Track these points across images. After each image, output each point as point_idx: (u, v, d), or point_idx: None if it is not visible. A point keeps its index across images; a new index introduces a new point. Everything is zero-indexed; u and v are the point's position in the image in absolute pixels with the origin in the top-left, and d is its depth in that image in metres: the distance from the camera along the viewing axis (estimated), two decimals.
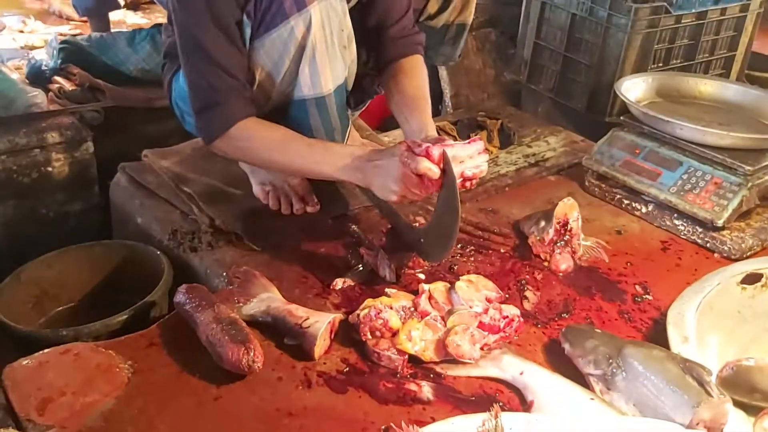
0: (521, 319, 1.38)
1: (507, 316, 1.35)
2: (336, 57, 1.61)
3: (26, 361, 1.27)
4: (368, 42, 1.77)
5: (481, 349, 1.31)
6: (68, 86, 2.32)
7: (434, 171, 1.36)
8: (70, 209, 2.14)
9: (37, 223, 2.09)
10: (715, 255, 1.75)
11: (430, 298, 1.40)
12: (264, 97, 1.64)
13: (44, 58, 2.42)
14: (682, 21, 2.39)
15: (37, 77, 2.38)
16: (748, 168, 1.76)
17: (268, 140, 1.57)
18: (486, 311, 1.34)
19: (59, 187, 2.10)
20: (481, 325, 1.32)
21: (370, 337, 1.33)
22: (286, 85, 1.62)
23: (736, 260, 1.70)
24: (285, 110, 1.67)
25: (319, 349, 1.31)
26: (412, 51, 1.78)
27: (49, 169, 2.08)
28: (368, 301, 1.37)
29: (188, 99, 1.63)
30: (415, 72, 1.75)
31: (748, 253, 1.74)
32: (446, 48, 2.13)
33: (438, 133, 2.17)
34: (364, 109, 2.06)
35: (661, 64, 2.41)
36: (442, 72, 2.71)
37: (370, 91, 1.95)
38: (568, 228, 1.66)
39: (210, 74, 1.54)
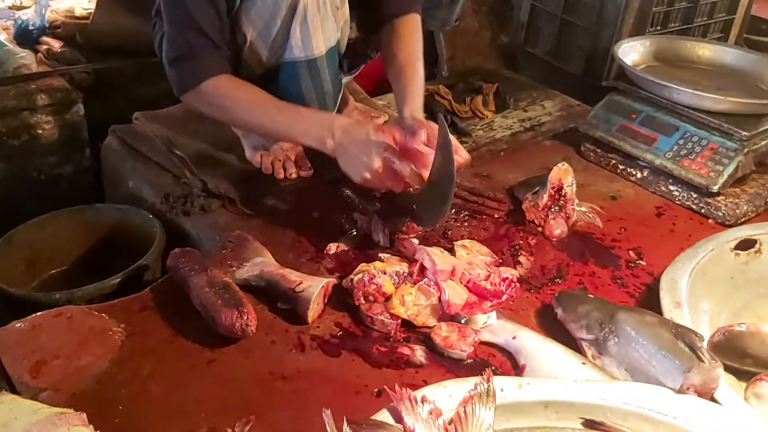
0: (517, 285, 1.38)
1: (506, 278, 1.34)
2: (328, 18, 1.59)
3: (19, 324, 1.26)
4: (363, 2, 1.74)
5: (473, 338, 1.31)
6: (57, 47, 2.28)
7: (420, 179, 1.41)
8: (61, 172, 2.13)
9: (28, 185, 2.08)
10: (710, 221, 1.75)
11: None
12: (255, 59, 1.62)
13: (31, 18, 2.38)
14: None
15: (25, 38, 2.35)
16: (745, 133, 1.75)
17: (239, 100, 1.55)
18: (488, 277, 1.33)
19: (50, 149, 2.09)
20: (485, 291, 1.32)
21: (363, 301, 1.32)
22: (278, 46, 1.60)
23: (731, 226, 1.70)
24: (276, 74, 1.64)
25: (312, 314, 1.31)
26: (408, 9, 1.75)
27: (39, 131, 2.06)
28: (362, 266, 1.37)
29: (163, 52, 1.61)
30: (409, 36, 1.72)
31: (743, 219, 1.74)
32: (442, 12, 2.10)
33: (432, 96, 2.16)
34: (358, 73, 2.03)
35: (659, 28, 2.39)
36: (438, 34, 2.67)
37: (363, 55, 1.93)
38: (563, 193, 1.66)
39: (186, 30, 1.53)
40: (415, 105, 1.58)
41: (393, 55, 1.69)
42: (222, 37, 1.56)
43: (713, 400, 1.12)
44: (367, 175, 1.42)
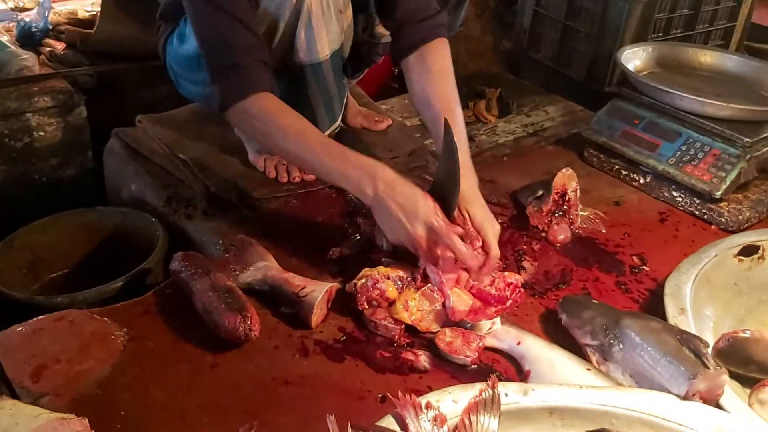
0: (521, 290, 1.37)
1: (511, 283, 1.34)
2: (332, 21, 1.59)
3: (20, 328, 1.26)
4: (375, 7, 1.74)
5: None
6: (59, 49, 2.28)
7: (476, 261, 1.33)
8: (63, 174, 2.12)
9: (29, 188, 2.07)
10: (713, 227, 1.75)
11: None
12: None
13: (34, 19, 2.38)
14: None
15: (28, 39, 2.34)
16: (747, 140, 1.75)
17: (285, 127, 1.46)
18: (492, 282, 1.33)
19: (52, 152, 2.08)
20: (489, 297, 1.31)
21: (366, 306, 1.32)
22: (282, 51, 1.59)
23: (734, 232, 1.70)
24: (281, 79, 1.63)
25: (316, 318, 1.31)
26: (434, 34, 1.65)
27: (42, 133, 2.05)
28: (365, 271, 1.36)
29: (202, 60, 1.53)
30: (441, 74, 1.61)
31: (746, 225, 1.74)
32: (447, 17, 2.10)
33: None
34: (362, 77, 2.04)
35: (661, 34, 2.39)
36: None
37: (367, 60, 1.93)
38: (566, 198, 1.66)
39: (224, 28, 1.46)
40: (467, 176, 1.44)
41: (426, 100, 1.59)
42: (261, 36, 1.51)
43: (718, 406, 1.12)
44: (403, 238, 1.36)
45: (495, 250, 1.37)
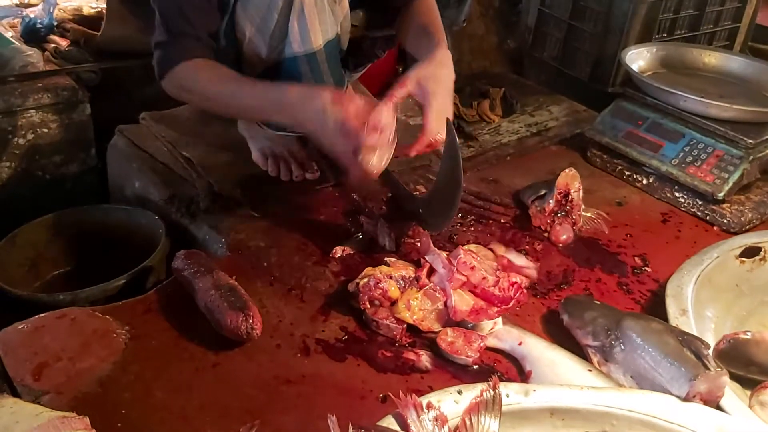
0: (524, 290, 1.37)
1: (515, 282, 1.34)
2: (325, 11, 1.59)
3: (21, 326, 1.26)
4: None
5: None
6: (64, 45, 2.28)
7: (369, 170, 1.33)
8: (66, 171, 2.12)
9: (32, 185, 2.07)
10: (715, 228, 1.75)
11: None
12: (255, 56, 1.61)
13: (39, 15, 2.38)
14: None
15: (32, 35, 2.34)
16: (750, 141, 1.75)
17: (211, 79, 1.51)
18: (496, 283, 1.33)
19: (55, 149, 2.08)
20: (493, 297, 1.31)
21: (368, 306, 1.32)
22: (277, 41, 1.59)
23: (736, 233, 1.70)
24: (276, 70, 1.64)
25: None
26: None
27: (45, 130, 2.05)
28: (367, 270, 1.37)
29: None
30: (425, 10, 1.70)
31: (748, 227, 1.74)
32: (450, 11, 2.10)
33: None
34: (364, 72, 2.03)
35: (665, 35, 2.38)
36: (446, 36, 2.67)
37: (370, 54, 1.92)
38: (569, 199, 1.65)
39: (171, 15, 1.50)
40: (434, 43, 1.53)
41: (408, 26, 1.67)
42: (206, 25, 1.54)
43: (719, 407, 1.12)
44: (335, 150, 1.36)
45: (431, 125, 1.39)
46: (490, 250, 1.51)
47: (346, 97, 1.34)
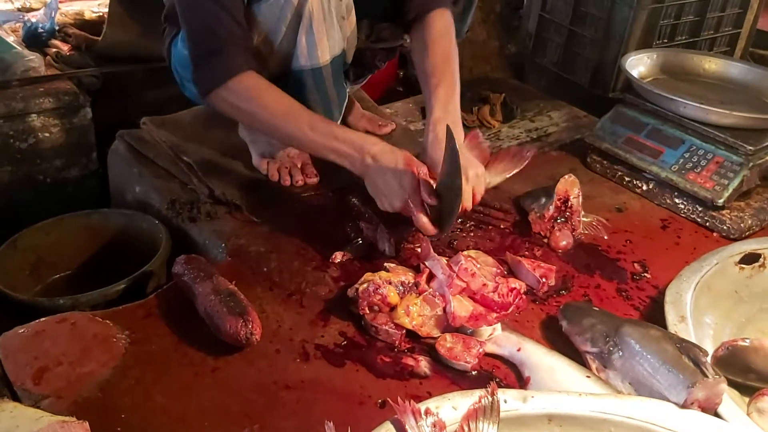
0: (523, 296, 1.37)
1: (514, 288, 1.34)
2: (333, 27, 1.59)
3: (22, 330, 1.26)
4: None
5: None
6: (65, 50, 2.29)
7: (428, 229, 1.43)
8: (67, 176, 2.13)
9: (33, 189, 2.08)
10: (714, 234, 1.75)
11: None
12: (261, 66, 1.62)
13: (41, 20, 2.38)
14: None
15: (34, 40, 2.34)
16: (750, 148, 1.75)
17: (270, 107, 1.51)
18: (496, 288, 1.33)
19: (56, 153, 2.09)
20: (492, 303, 1.32)
21: (368, 311, 1.32)
22: (284, 53, 1.60)
23: (735, 240, 1.70)
24: (281, 83, 1.64)
25: None
26: (434, 5, 1.72)
27: (47, 134, 2.06)
28: (367, 276, 1.37)
29: (187, 50, 1.57)
30: (439, 38, 1.69)
31: (747, 233, 1.74)
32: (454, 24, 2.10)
33: None
34: (365, 82, 2.04)
35: (666, 41, 2.38)
36: None
37: (370, 65, 1.93)
38: (569, 205, 1.66)
39: (209, 16, 1.49)
40: (444, 109, 1.57)
41: (422, 69, 1.67)
42: (246, 27, 1.53)
43: (716, 415, 1.13)
44: (389, 209, 1.46)
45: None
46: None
47: (417, 165, 1.42)
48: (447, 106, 1.58)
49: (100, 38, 2.27)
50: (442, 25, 1.72)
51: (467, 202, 1.45)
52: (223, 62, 1.50)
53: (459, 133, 1.56)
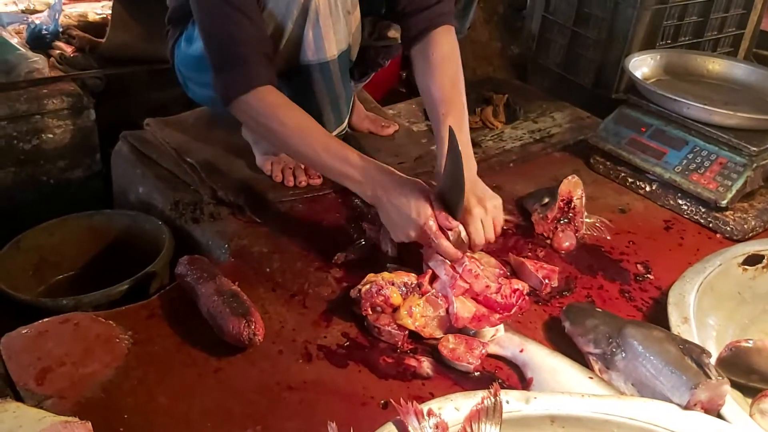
0: (526, 297, 1.37)
1: (517, 289, 1.34)
2: (340, 21, 1.59)
3: (25, 330, 1.27)
4: (376, 11, 1.74)
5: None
6: (69, 52, 2.30)
7: (452, 253, 1.37)
8: (71, 177, 2.13)
9: (37, 190, 2.09)
10: (718, 235, 1.75)
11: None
12: None
13: (45, 22, 2.39)
14: None
15: (38, 42, 2.35)
16: (754, 149, 1.75)
17: (288, 125, 1.48)
18: (499, 290, 1.33)
19: (60, 154, 2.09)
20: (495, 304, 1.32)
21: (370, 312, 1.32)
22: (291, 49, 1.59)
23: (739, 241, 1.70)
24: (288, 78, 1.64)
25: None
26: (438, 22, 1.66)
27: (50, 135, 2.07)
28: (369, 276, 1.37)
29: (206, 55, 1.54)
30: (442, 63, 1.63)
31: (751, 234, 1.74)
32: (455, 21, 2.10)
33: None
34: (368, 81, 2.04)
35: (669, 41, 2.38)
36: None
37: (373, 63, 1.93)
38: (572, 206, 1.66)
39: (228, 21, 1.47)
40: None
41: (427, 90, 1.62)
42: (264, 30, 1.52)
43: (720, 416, 1.12)
44: (404, 239, 1.41)
45: (477, 239, 1.41)
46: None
47: (434, 202, 1.38)
48: (458, 138, 1.51)
49: (103, 40, 2.28)
50: (447, 45, 1.66)
51: (489, 235, 1.42)
52: (246, 73, 1.48)
53: (472, 166, 1.52)
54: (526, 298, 1.37)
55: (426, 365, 1.26)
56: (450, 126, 1.40)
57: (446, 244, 1.36)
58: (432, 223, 1.36)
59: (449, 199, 1.40)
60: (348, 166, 1.44)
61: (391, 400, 1.05)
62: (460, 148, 1.33)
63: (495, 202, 1.46)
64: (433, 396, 1.15)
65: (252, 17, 1.49)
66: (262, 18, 1.52)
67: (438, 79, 1.61)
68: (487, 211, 1.43)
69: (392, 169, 1.46)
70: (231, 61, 1.50)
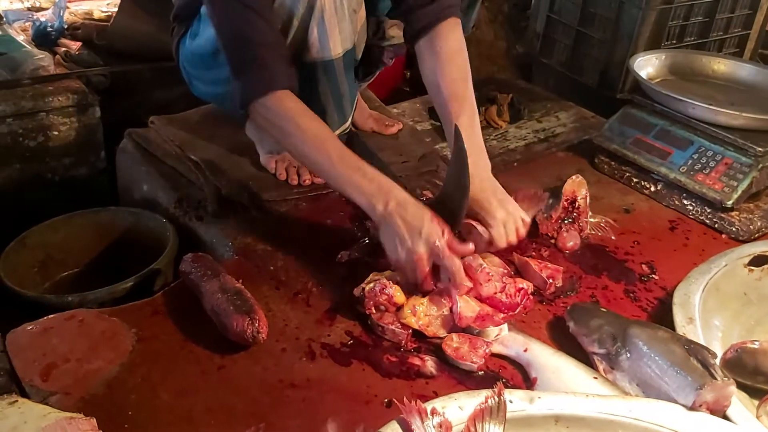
0: (531, 296, 1.37)
1: (521, 288, 1.34)
2: (345, 19, 1.58)
3: (30, 327, 1.27)
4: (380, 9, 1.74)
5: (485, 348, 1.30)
6: (74, 48, 2.30)
7: (464, 277, 1.32)
8: (76, 174, 2.13)
9: (42, 187, 2.09)
10: (723, 236, 1.74)
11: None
12: None
13: (50, 19, 2.40)
14: None
15: (43, 39, 2.36)
16: (760, 149, 1.74)
17: (305, 131, 1.45)
18: (503, 289, 1.33)
19: (65, 151, 2.10)
20: (500, 304, 1.31)
21: (374, 311, 1.32)
22: (296, 47, 1.59)
23: (744, 242, 1.69)
24: None
25: None
26: (444, 15, 1.61)
27: (55, 133, 2.07)
28: (373, 275, 1.37)
29: (222, 56, 1.52)
30: (449, 56, 1.59)
31: (756, 235, 1.73)
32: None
33: None
34: (372, 80, 2.04)
35: (674, 41, 2.38)
36: None
37: (377, 63, 1.92)
38: (576, 205, 1.65)
39: (244, 22, 1.45)
40: (468, 139, 1.43)
41: (435, 85, 1.58)
42: (278, 29, 1.51)
43: (725, 417, 1.12)
44: (403, 256, 1.33)
45: (500, 243, 1.43)
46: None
47: (445, 232, 1.33)
48: (471, 137, 1.48)
49: (109, 24, 2.28)
50: (455, 39, 1.63)
51: (512, 238, 1.44)
52: (263, 74, 1.46)
53: (486, 164, 1.51)
54: (531, 297, 1.36)
55: (430, 364, 1.26)
56: (456, 126, 1.39)
57: (458, 264, 1.31)
58: (442, 242, 1.31)
59: (452, 201, 1.40)
60: (362, 176, 1.39)
61: (395, 399, 1.04)
62: (473, 147, 1.32)
63: (519, 212, 1.46)
64: (436, 395, 1.16)
65: (266, 17, 1.47)
66: (272, 14, 1.50)
67: (448, 75, 1.58)
68: (509, 214, 1.42)
69: (405, 191, 1.41)
70: (249, 62, 1.47)
